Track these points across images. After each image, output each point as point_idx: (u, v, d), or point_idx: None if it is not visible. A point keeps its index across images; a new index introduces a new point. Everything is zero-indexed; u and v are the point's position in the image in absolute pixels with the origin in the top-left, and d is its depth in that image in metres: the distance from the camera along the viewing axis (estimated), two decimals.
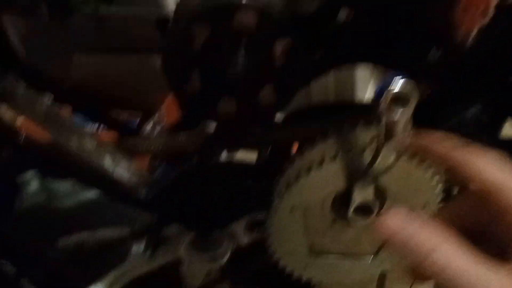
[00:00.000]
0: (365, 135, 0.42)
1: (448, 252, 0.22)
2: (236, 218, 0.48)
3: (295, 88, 0.37)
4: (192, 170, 0.41)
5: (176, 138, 0.48)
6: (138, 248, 0.54)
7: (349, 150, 0.42)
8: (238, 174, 0.43)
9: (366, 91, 0.72)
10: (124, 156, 0.48)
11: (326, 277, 0.54)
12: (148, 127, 0.79)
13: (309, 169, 0.43)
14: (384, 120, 0.32)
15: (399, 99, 0.32)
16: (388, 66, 0.35)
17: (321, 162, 0.43)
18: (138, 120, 0.66)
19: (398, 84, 0.29)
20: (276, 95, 0.36)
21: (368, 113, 0.46)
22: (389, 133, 0.35)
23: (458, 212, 0.30)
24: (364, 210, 0.46)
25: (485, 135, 0.91)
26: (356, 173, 0.43)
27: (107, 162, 0.46)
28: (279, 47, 0.33)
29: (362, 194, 0.44)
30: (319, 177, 0.43)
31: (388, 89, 0.29)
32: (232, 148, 0.43)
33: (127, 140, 0.50)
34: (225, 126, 0.39)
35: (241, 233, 0.52)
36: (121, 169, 0.47)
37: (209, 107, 0.36)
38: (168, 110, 1.14)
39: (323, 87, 0.66)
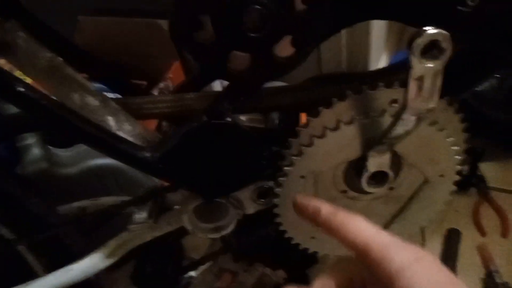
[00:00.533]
0: (385, 98, 0.39)
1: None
2: (244, 185, 0.46)
3: (314, 41, 0.34)
4: (198, 130, 0.39)
5: (183, 98, 0.46)
6: (140, 215, 0.52)
7: (366, 114, 0.40)
8: (247, 137, 0.41)
9: (379, 62, 0.70)
10: (130, 117, 0.46)
11: (332, 250, 0.52)
12: (155, 92, 0.77)
13: (323, 134, 0.41)
14: (411, 74, 0.30)
15: (430, 52, 0.29)
16: (416, 20, 0.32)
17: (336, 127, 0.40)
18: (145, 86, 0.64)
19: (430, 32, 0.27)
20: (295, 49, 0.34)
21: (389, 76, 0.43)
22: (413, 92, 0.33)
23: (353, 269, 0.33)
24: (377, 179, 0.44)
25: (501, 113, 0.89)
26: (373, 139, 0.41)
27: (111, 121, 0.44)
28: None
29: (377, 162, 0.42)
30: (333, 142, 0.41)
31: (421, 35, 0.27)
32: (243, 109, 0.41)
33: (132, 100, 0.48)
34: (237, 84, 0.36)
35: (248, 201, 0.50)
36: (126, 129, 0.44)
37: (220, 61, 0.34)
38: (175, 76, 1.12)
39: (335, 57, 0.64)
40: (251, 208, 0.51)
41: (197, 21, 0.32)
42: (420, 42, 0.27)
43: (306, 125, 0.41)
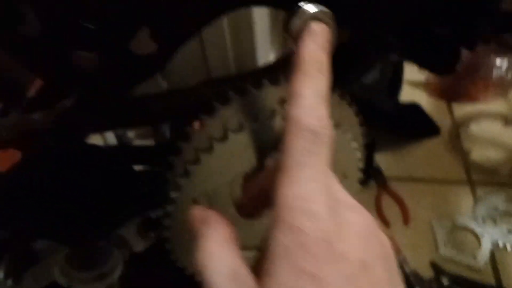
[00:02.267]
0: (272, 97, 0.34)
1: (210, 248, 0.22)
2: (121, 220, 0.37)
3: (181, 34, 0.28)
4: (41, 159, 0.30)
5: (27, 118, 0.36)
6: None
7: (255, 117, 0.35)
8: (110, 161, 0.32)
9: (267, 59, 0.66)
10: None
11: None
12: None
13: (210, 147, 0.34)
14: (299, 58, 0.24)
15: None
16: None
17: (224, 136, 0.34)
18: None
19: (312, 7, 0.22)
20: (156, 43, 0.27)
21: (274, 71, 0.39)
22: None
23: None
24: None
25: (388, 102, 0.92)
26: (266, 144, 0.36)
27: None
28: None
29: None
30: (223, 155, 0.35)
31: (303, 10, 0.22)
32: (102, 123, 0.32)
33: None
34: (87, 91, 0.28)
35: (133, 237, 0.41)
36: None
37: (59, 62, 0.25)
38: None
39: (222, 59, 0.59)
40: (139, 245, 0.42)
41: (18, 12, 0.24)
42: (298, 22, 0.22)
43: (188, 139, 0.34)
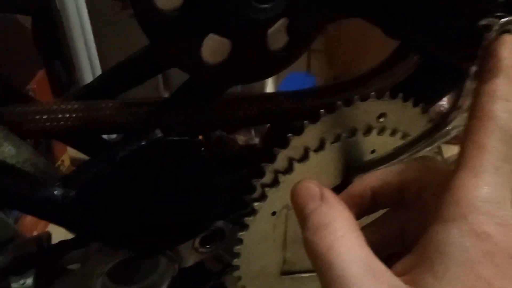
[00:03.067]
0: (374, 111, 0.33)
1: (338, 231, 0.20)
2: (197, 232, 0.34)
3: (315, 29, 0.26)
4: (147, 150, 0.26)
5: (96, 107, 0.32)
6: (20, 284, 0.34)
7: (353, 131, 0.33)
8: (210, 164, 0.29)
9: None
10: (11, 135, 0.29)
11: None
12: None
13: (305, 157, 0.32)
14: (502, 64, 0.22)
15: None
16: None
17: (320, 146, 0.32)
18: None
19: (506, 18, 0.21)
20: (289, 37, 0.25)
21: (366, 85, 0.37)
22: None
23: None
24: None
25: None
26: (357, 161, 0.34)
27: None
28: None
29: None
30: (315, 166, 0.33)
31: (495, 24, 0.21)
32: (195, 124, 0.29)
33: (11, 110, 0.31)
34: (200, 84, 0.25)
35: (187, 250, 0.37)
36: (7, 153, 0.28)
37: (189, 47, 0.23)
38: (39, 89, 0.87)
39: None
40: (190, 259, 0.38)
41: None
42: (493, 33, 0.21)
43: (284, 145, 0.32)
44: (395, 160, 0.32)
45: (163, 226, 0.30)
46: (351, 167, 0.34)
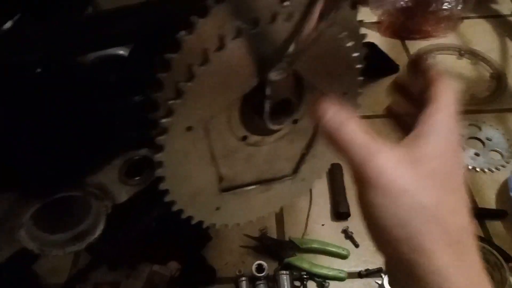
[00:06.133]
0: None
1: (355, 128, 0.27)
2: (102, 161, 0.31)
3: None
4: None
5: None
6: None
7: (255, 21, 0.29)
8: (93, 83, 0.26)
9: None
10: None
11: (241, 217, 0.41)
12: None
13: (205, 59, 0.29)
14: None
15: None
16: None
17: (220, 44, 0.29)
18: None
19: None
20: None
21: None
22: None
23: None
24: (279, 112, 0.34)
25: None
26: (266, 57, 0.31)
27: None
28: None
29: (278, 87, 0.32)
30: (220, 68, 0.29)
31: None
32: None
33: None
34: None
35: (116, 185, 0.35)
36: None
37: None
38: None
39: None
40: (122, 194, 0.36)
41: None
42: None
43: (179, 50, 0.28)
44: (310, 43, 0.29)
45: (62, 157, 0.28)
46: (265, 63, 0.31)
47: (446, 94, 0.28)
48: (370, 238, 0.27)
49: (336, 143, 0.27)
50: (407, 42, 1.07)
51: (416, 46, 1.05)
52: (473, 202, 0.70)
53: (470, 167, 0.75)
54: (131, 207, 0.38)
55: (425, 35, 1.07)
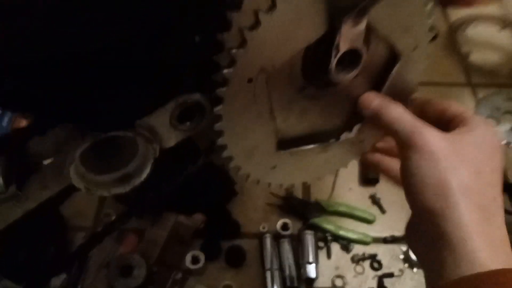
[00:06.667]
0: None
1: (403, 110, 0.32)
2: (158, 101, 0.30)
3: None
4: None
5: None
6: None
7: None
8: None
9: None
10: None
11: (295, 177, 0.40)
12: None
13: (272, 4, 0.27)
14: None
15: None
16: None
17: None
18: None
19: None
20: None
21: None
22: None
23: None
24: (346, 62, 0.32)
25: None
26: (339, 3, 0.29)
27: None
28: None
29: (350, 36, 0.30)
30: (287, 15, 0.28)
31: None
32: None
33: None
34: None
35: (165, 129, 0.34)
36: None
37: None
38: None
39: None
40: (171, 139, 0.35)
41: None
42: None
43: None
44: None
45: (119, 93, 0.27)
46: (337, 10, 0.29)
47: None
48: (405, 194, 0.30)
49: (384, 119, 0.32)
50: (447, 10, 1.02)
51: (457, 14, 1.00)
52: (505, 176, 0.69)
53: (504, 142, 0.73)
54: (177, 156, 0.37)
55: (467, 2, 1.02)
